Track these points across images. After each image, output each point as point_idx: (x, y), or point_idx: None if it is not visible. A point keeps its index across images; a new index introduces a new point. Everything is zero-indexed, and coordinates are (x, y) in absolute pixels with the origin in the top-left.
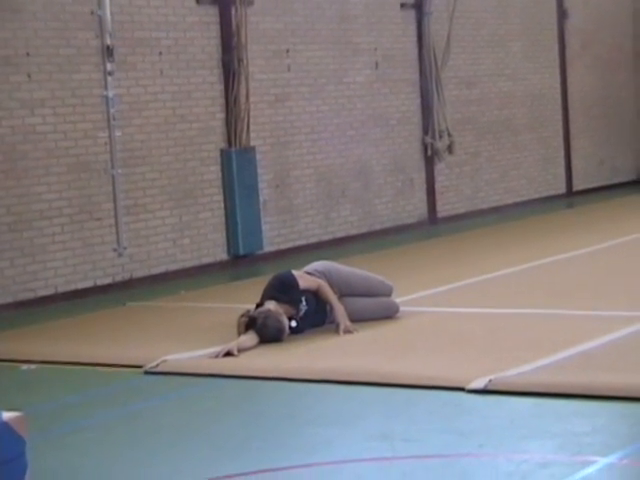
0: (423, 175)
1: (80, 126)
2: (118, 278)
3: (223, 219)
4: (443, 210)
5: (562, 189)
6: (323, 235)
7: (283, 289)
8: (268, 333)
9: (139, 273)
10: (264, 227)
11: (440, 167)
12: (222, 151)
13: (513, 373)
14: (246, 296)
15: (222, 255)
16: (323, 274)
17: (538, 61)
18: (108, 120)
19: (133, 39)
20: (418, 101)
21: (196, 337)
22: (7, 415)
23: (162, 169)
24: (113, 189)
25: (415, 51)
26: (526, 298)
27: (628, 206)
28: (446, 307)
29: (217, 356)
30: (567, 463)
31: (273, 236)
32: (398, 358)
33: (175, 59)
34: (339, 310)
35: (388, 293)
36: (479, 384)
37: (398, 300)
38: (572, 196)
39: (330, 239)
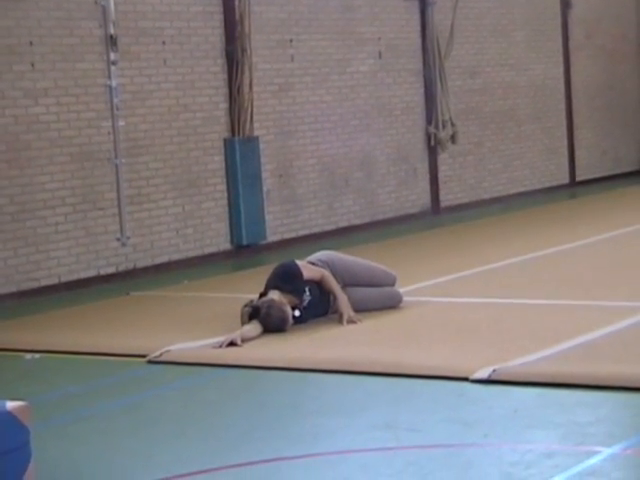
0: (426, 165)
1: (83, 115)
2: (121, 268)
3: (226, 209)
4: (446, 200)
5: (565, 179)
6: (326, 225)
7: (287, 279)
8: (271, 323)
9: (142, 263)
10: (267, 217)
11: (443, 157)
12: (225, 141)
13: (517, 363)
14: (249, 286)
15: (225, 245)
16: (326, 264)
17: (541, 51)
18: (111, 109)
19: (137, 28)
20: (421, 91)
21: (199, 327)
22: (11, 405)
23: (165, 158)
24: (116, 178)
25: (419, 41)
26: (529, 288)
27: (631, 196)
28: (449, 297)
29: (221, 346)
30: (571, 453)
31: (276, 226)
32: (402, 348)
33: (179, 49)
34: (342, 300)
35: (391, 283)
36: (483, 374)
37: (401, 290)
38: (575, 186)
39: (333, 229)
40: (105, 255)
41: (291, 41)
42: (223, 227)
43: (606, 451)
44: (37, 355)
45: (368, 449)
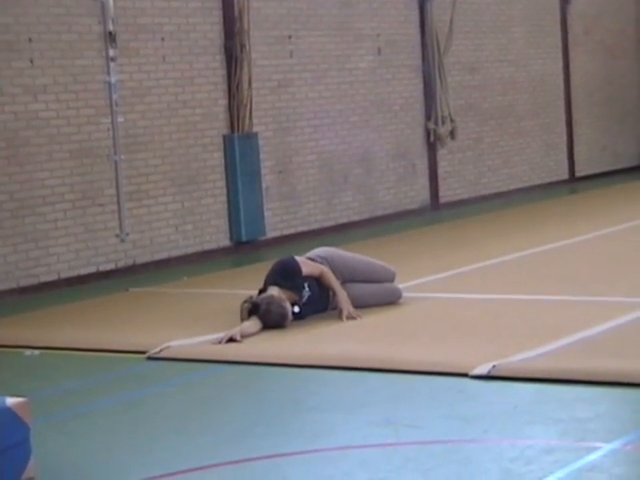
0: (426, 161)
1: (83, 112)
2: (121, 264)
3: (225, 205)
4: (445, 196)
5: (564, 175)
6: (325, 221)
7: (286, 275)
8: (271, 319)
9: (142, 259)
10: (266, 213)
11: (443, 153)
12: (225, 137)
13: (516, 359)
14: (249, 282)
15: (224, 241)
16: (325, 260)
17: (540, 47)
18: (111, 106)
19: (136, 25)
20: (421, 87)
21: (199, 323)
22: (11, 401)
23: (165, 155)
24: (116, 175)
25: (418, 37)
26: (529, 284)
27: (630, 192)
28: (449, 293)
29: (220, 342)
30: (571, 449)
31: (275, 222)
32: (401, 344)
33: (178, 45)
34: (342, 296)
35: (391, 279)
36: (483, 370)
37: (401, 286)
38: (574, 182)
39: (332, 225)
40: (104, 251)
41: (290, 37)
42: (222, 223)
43: (606, 447)
44: (37, 351)
45: (368, 445)
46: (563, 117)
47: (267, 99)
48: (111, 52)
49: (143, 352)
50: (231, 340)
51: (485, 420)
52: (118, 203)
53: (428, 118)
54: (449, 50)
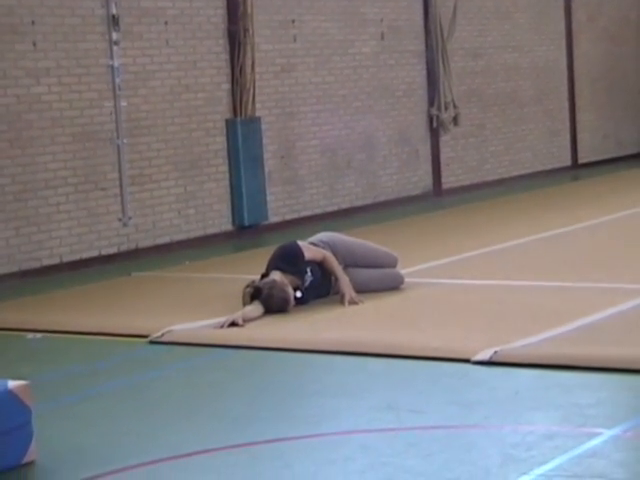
0: (428, 147)
1: (85, 95)
2: (123, 248)
3: (228, 190)
4: (448, 182)
5: (567, 162)
6: (328, 206)
7: (288, 260)
8: (273, 303)
9: (144, 243)
10: (269, 198)
11: (445, 139)
12: (227, 121)
13: (518, 345)
14: (251, 267)
15: (227, 226)
16: (328, 245)
17: (544, 33)
18: (113, 90)
19: (139, 8)
20: (424, 72)
21: (201, 307)
22: (13, 384)
23: (167, 139)
24: (118, 159)
25: (421, 22)
26: (531, 270)
27: (633, 179)
28: (451, 279)
29: (222, 326)
30: (572, 435)
31: (278, 207)
32: (403, 329)
33: (181, 29)
34: (344, 281)
35: (393, 264)
36: (484, 356)
37: (403, 271)
38: (577, 169)
39: (335, 210)
40: (107, 235)
41: (293, 22)
42: (225, 208)
43: (607, 433)
44: (39, 335)
45: (370, 430)
46: (566, 104)
47: (270, 83)
48: (114, 36)
49: (145, 336)
50: (233, 324)
51: (487, 406)
52: (121, 187)
53: (431, 104)
54: (452, 36)
